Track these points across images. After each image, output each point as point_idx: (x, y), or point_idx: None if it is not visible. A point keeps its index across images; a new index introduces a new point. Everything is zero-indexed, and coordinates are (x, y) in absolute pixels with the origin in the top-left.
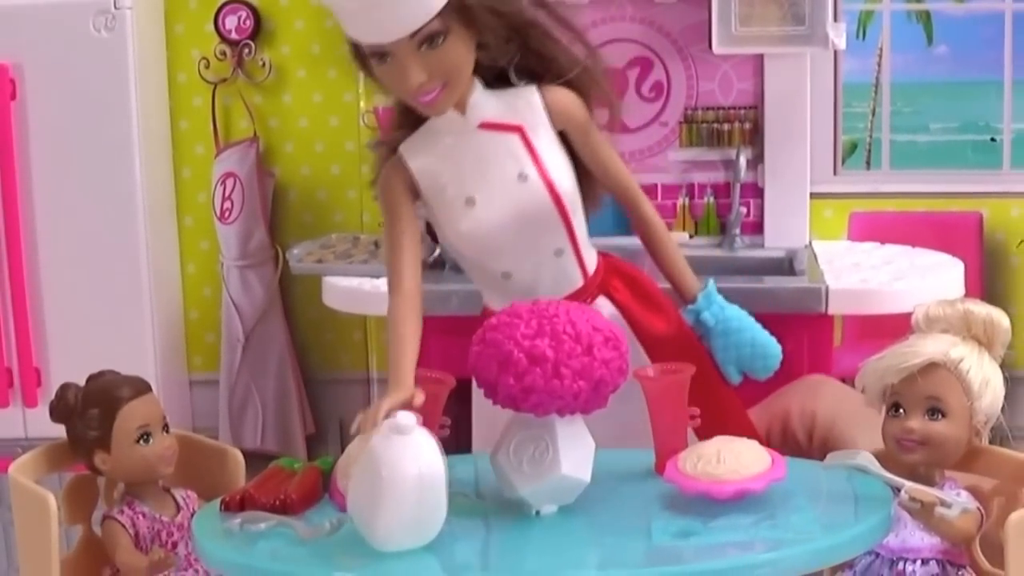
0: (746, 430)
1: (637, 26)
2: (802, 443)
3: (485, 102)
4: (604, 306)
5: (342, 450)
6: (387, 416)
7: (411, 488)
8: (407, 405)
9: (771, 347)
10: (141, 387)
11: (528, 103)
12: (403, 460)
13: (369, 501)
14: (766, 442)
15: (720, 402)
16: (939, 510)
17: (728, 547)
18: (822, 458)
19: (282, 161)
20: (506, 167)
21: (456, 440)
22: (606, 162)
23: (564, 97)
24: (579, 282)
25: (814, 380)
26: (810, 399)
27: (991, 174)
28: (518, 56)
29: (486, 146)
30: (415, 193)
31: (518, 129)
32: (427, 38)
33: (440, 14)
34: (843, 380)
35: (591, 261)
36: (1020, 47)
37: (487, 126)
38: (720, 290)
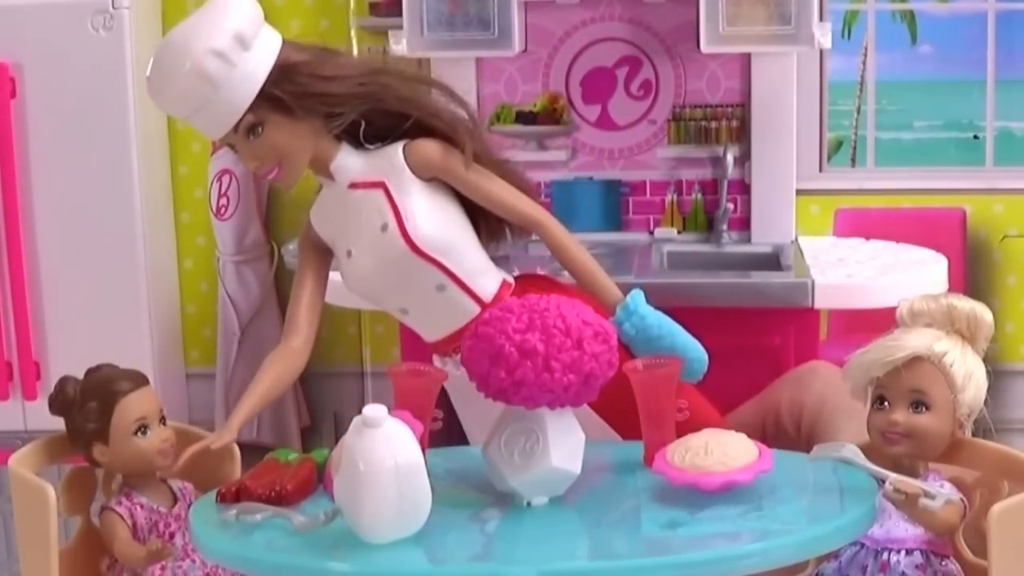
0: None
1: (626, 25)
2: (791, 434)
3: (351, 164)
4: None
5: (336, 442)
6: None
7: (390, 479)
8: (205, 449)
9: (691, 351)
10: (139, 380)
11: (390, 160)
12: (378, 452)
13: (352, 495)
14: (761, 434)
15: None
16: (923, 501)
17: (716, 537)
18: (809, 449)
19: None
20: (372, 220)
21: (448, 433)
22: (490, 196)
23: (422, 149)
24: (475, 310)
25: (806, 370)
26: (800, 391)
27: (974, 171)
28: (364, 123)
29: (357, 203)
30: (325, 249)
31: (381, 185)
32: (248, 130)
33: (253, 108)
34: None
35: (487, 289)
36: (1003, 46)
37: (355, 185)
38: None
